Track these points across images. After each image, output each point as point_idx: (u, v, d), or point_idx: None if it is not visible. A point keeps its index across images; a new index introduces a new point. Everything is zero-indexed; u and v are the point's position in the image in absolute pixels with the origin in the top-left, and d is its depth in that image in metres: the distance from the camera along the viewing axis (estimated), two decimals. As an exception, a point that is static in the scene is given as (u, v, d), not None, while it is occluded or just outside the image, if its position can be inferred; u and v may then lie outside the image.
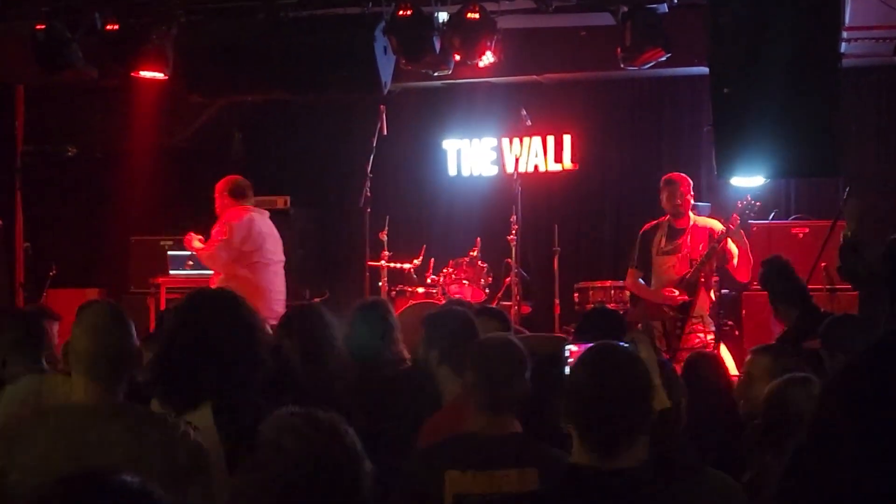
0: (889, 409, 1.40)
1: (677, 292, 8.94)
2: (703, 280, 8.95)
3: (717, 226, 9.06)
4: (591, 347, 3.23)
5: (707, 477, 3.50)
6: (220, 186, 9.54)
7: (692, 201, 9.24)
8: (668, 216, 9.23)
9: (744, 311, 10.23)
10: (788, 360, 5.06)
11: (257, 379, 4.06)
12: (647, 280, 9.31)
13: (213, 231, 9.38)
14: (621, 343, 3.39)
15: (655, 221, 9.34)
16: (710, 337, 8.69)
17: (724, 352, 8.60)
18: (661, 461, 3.19)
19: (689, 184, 9.21)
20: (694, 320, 8.83)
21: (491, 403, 4.01)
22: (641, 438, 3.02)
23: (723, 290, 9.72)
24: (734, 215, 8.86)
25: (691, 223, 9.14)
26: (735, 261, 8.86)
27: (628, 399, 3.02)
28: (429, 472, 3.91)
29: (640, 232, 9.42)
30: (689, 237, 9.08)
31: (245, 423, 3.46)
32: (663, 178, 9.36)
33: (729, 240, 8.83)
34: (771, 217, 10.69)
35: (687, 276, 8.94)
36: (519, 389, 4.07)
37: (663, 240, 9.16)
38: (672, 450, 3.44)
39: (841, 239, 7.18)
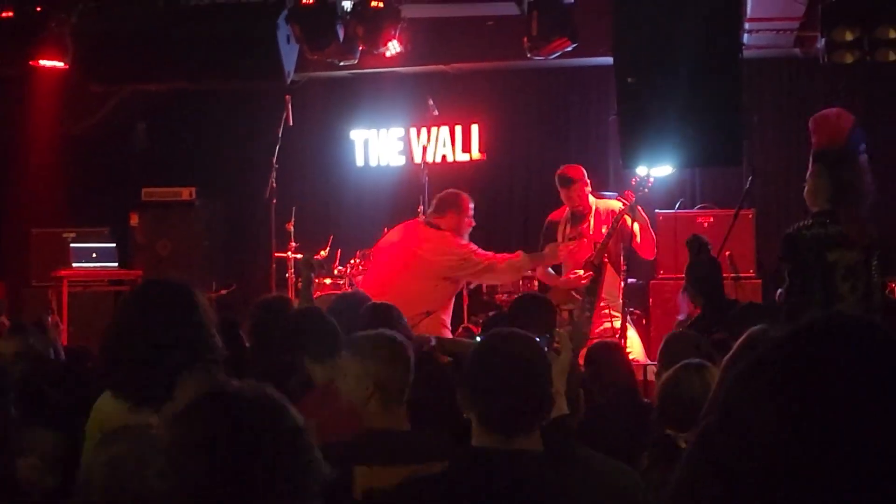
0: (809, 400, 1.38)
1: (583, 272, 8.86)
2: (607, 260, 8.87)
3: (617, 206, 8.99)
4: (490, 334, 3.35)
5: (604, 466, 3.51)
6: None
7: (588, 191, 9.10)
8: None
9: (651, 300, 10.33)
10: (680, 346, 5.08)
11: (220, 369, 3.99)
12: (557, 269, 9.28)
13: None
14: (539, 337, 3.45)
15: (559, 210, 9.30)
16: (618, 323, 8.68)
17: (634, 337, 8.63)
18: (558, 448, 3.24)
19: (583, 174, 8.99)
20: (602, 304, 8.79)
21: (389, 400, 4.00)
22: (539, 425, 3.06)
23: (629, 280, 9.77)
24: (627, 192, 8.80)
25: (593, 208, 9.04)
26: (638, 238, 8.83)
27: (526, 383, 3.08)
28: (336, 468, 3.86)
29: (545, 222, 9.39)
30: (591, 221, 9.00)
31: None
32: (557, 172, 9.17)
33: (628, 218, 8.78)
34: (677, 206, 10.78)
35: (591, 258, 8.86)
36: (408, 384, 4.07)
37: (567, 227, 9.10)
38: (566, 439, 3.47)
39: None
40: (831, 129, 6.93)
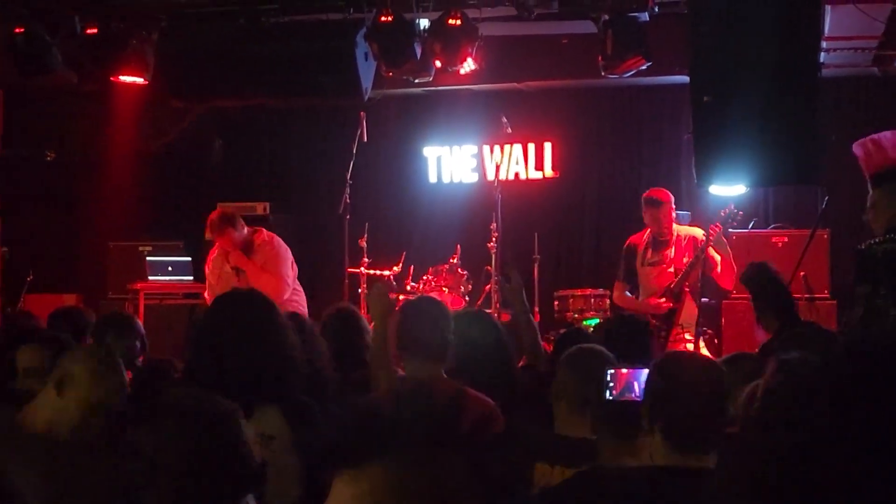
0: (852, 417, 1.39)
1: (663, 300, 8.95)
2: (687, 289, 8.96)
3: (700, 234, 9.07)
4: (671, 355, 3.59)
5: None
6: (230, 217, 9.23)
7: (674, 216, 9.21)
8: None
9: (723, 320, 10.25)
10: (746, 366, 5.04)
11: (302, 380, 4.05)
12: (635, 292, 9.31)
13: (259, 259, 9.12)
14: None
15: (640, 233, 9.33)
16: (691, 346, 8.71)
17: None
18: None
19: (671, 199, 9.19)
20: (679, 329, 8.84)
21: (582, 407, 4.13)
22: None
23: (703, 299, 9.73)
24: (716, 224, 8.87)
25: (675, 234, 9.14)
26: (719, 268, 8.88)
27: (714, 402, 3.26)
28: (519, 460, 4.06)
29: (625, 245, 9.41)
30: (672, 248, 9.08)
31: (318, 426, 3.46)
32: (645, 195, 9.28)
33: (711, 248, 8.85)
34: (750, 226, 10.70)
35: (671, 286, 8.95)
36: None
37: (648, 251, 9.15)
38: None
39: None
40: (891, 151, 6.80)
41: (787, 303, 7.13)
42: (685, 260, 8.97)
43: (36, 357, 4.94)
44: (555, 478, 4.01)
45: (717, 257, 8.89)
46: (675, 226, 9.21)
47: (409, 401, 4.15)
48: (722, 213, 8.89)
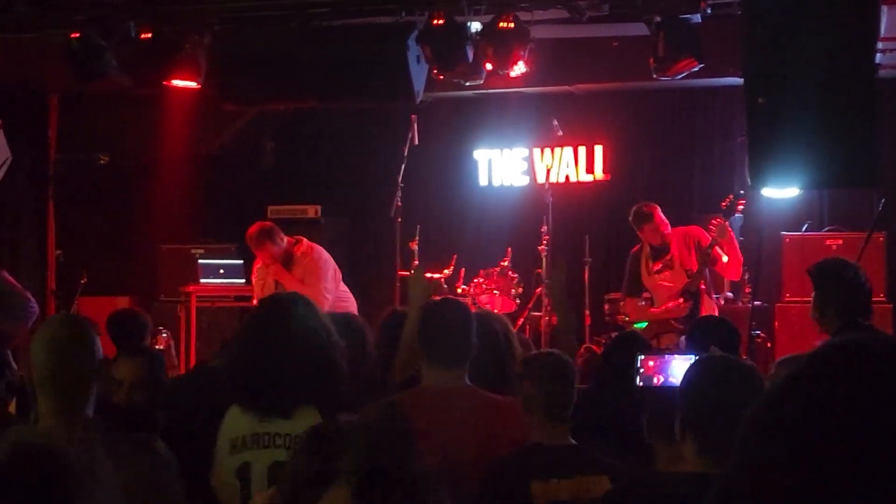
0: (812, 435, 1.38)
1: (681, 300, 8.92)
2: (703, 287, 8.97)
3: (695, 231, 9.13)
4: (706, 359, 3.43)
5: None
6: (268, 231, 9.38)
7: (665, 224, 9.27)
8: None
9: (776, 323, 10.16)
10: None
11: (344, 382, 4.07)
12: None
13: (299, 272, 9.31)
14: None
15: (636, 247, 9.37)
16: None
17: None
18: None
19: (658, 207, 9.30)
20: None
21: (551, 416, 4.15)
22: None
23: (755, 302, 9.66)
24: (714, 220, 8.93)
25: (670, 237, 9.20)
26: (724, 258, 8.91)
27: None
28: (514, 485, 4.02)
29: (626, 261, 9.45)
30: (674, 250, 9.09)
31: None
32: (635, 212, 9.36)
33: (716, 243, 8.90)
34: (804, 228, 10.62)
35: (688, 286, 8.93)
36: (572, 401, 4.21)
37: (651, 262, 9.16)
38: None
39: None
40: None
41: (852, 303, 6.81)
42: (689, 256, 9.01)
43: (137, 369, 4.97)
44: (550, 489, 3.98)
45: (720, 251, 8.91)
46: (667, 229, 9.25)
47: (428, 414, 4.15)
48: (722, 206, 8.92)
